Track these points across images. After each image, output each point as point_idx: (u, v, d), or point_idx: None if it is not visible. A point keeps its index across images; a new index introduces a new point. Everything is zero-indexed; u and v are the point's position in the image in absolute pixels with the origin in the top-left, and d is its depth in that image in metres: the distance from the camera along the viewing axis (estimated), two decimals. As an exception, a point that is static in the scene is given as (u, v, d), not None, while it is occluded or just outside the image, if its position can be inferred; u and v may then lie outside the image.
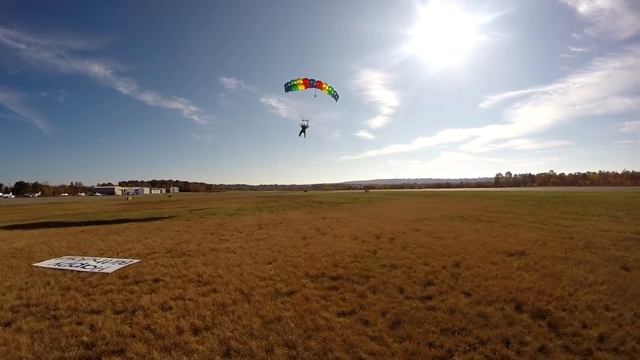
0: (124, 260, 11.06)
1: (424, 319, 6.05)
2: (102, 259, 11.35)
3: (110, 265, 10.24)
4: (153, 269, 9.91)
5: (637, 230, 14.58)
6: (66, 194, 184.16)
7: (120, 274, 9.30)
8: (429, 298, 7.09)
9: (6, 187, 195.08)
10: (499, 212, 25.19)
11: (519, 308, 6.48)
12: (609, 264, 9.30)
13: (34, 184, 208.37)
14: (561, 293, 7.15)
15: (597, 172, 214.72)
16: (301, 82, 30.76)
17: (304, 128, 33.18)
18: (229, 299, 7.26)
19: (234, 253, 12.01)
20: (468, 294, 7.26)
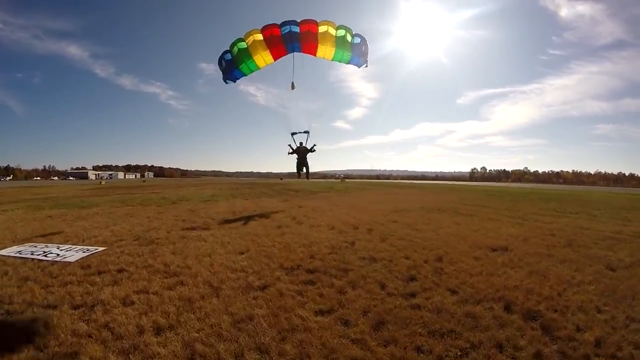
0: (89, 248, 10.41)
1: (409, 319, 5.57)
2: (67, 246, 10.68)
3: (73, 254, 9.60)
4: (118, 257, 9.25)
5: (616, 230, 14.41)
6: (38, 178, 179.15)
7: (82, 264, 8.64)
8: (413, 295, 6.63)
9: None
10: (477, 205, 24.98)
11: (508, 308, 6.08)
12: (593, 263, 9.00)
13: (6, 167, 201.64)
14: (550, 292, 6.80)
15: (570, 171, 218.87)
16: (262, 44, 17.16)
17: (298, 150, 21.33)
18: (196, 293, 6.67)
19: (205, 241, 11.39)
20: (454, 292, 6.84)
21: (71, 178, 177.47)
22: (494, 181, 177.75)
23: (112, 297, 6.45)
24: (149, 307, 6.01)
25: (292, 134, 20.70)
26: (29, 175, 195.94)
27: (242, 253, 9.80)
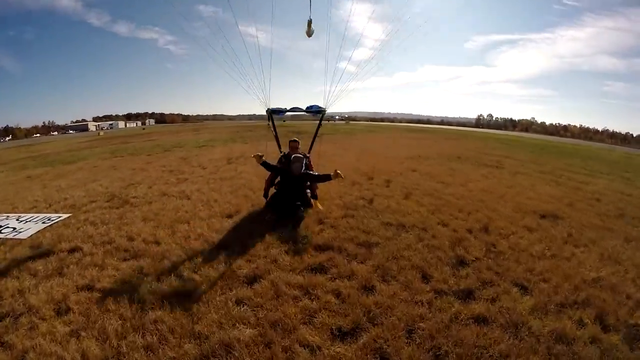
0: (51, 217, 8.80)
1: (480, 350, 3.62)
2: (28, 215, 9.11)
3: (31, 226, 8.14)
4: (78, 229, 7.54)
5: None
6: (38, 135, 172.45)
7: (34, 241, 6.94)
8: (470, 295, 4.70)
9: None
10: (498, 155, 22.64)
11: (602, 320, 4.29)
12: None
13: (5, 127, 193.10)
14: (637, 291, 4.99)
15: (577, 125, 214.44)
16: None
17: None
18: (153, 293, 4.80)
19: (188, 199, 9.50)
20: (523, 288, 4.93)
21: (71, 131, 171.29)
22: (501, 129, 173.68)
23: (46, 300, 4.71)
24: (87, 322, 4.22)
25: (271, 112, 8.82)
26: (28, 133, 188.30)
27: (231, 216, 7.87)
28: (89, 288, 4.98)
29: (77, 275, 5.35)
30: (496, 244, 6.35)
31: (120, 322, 4.16)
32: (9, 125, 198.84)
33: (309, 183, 8.22)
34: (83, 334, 3.96)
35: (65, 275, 5.37)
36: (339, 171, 7.09)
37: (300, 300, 4.49)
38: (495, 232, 7.00)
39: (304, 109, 8.82)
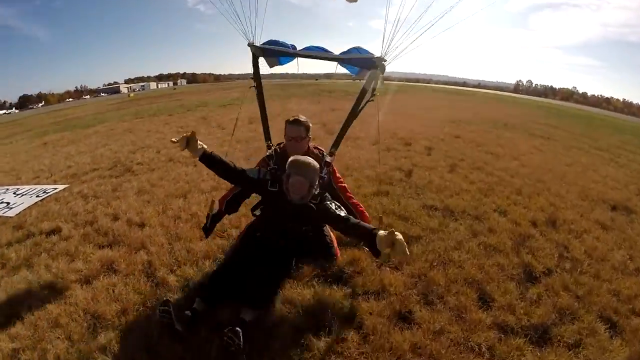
0: (48, 188, 8.07)
1: None
2: (26, 188, 8.40)
3: (25, 201, 7.44)
4: (67, 204, 6.67)
5: None
6: (70, 99, 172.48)
7: (20, 219, 6.14)
8: (545, 335, 3.30)
9: (10, 103, 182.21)
10: (545, 125, 20.61)
11: None
12: None
13: (38, 94, 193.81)
14: None
15: (621, 99, 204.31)
16: None
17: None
18: (125, 293, 3.74)
19: (195, 166, 8.24)
20: (611, 323, 3.52)
21: (103, 94, 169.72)
22: (540, 97, 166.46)
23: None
24: (32, 339, 3.23)
25: (258, 52, 4.71)
26: (61, 98, 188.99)
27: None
28: (51, 287, 3.97)
29: (43, 268, 4.36)
30: (569, 247, 4.89)
31: (65, 344, 3.12)
32: (42, 92, 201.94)
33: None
34: (23, 357, 3.01)
35: (32, 268, 4.42)
36: (397, 234, 2.97)
37: (302, 334, 3.17)
38: (564, 228, 5.51)
39: (337, 54, 4.48)
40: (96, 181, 8.08)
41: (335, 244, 4.15)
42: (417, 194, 6.33)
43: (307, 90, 36.47)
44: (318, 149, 4.31)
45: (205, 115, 18.88)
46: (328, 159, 4.26)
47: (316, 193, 3.60)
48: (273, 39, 4.62)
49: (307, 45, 4.61)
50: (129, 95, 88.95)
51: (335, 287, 3.71)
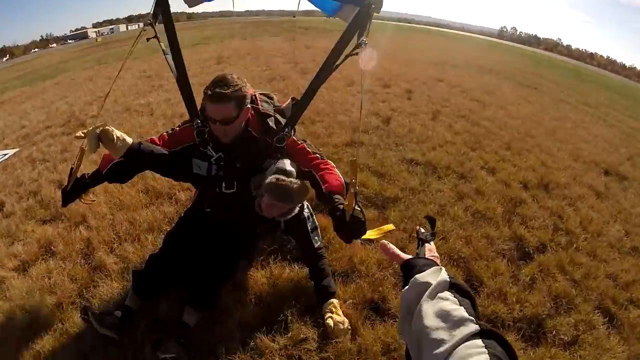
0: None
1: None
2: None
3: None
4: (14, 172, 6.04)
5: None
6: (37, 50, 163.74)
7: None
8: (539, 329, 2.83)
9: None
10: (533, 74, 19.92)
11: None
12: None
13: (1, 48, 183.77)
14: None
15: (605, 56, 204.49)
16: None
17: None
18: (61, 282, 3.23)
19: (151, 115, 7.58)
20: (609, 315, 3.08)
21: (70, 41, 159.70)
22: (524, 44, 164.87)
23: None
24: None
25: None
26: (27, 49, 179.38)
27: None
28: None
29: None
30: (563, 217, 4.35)
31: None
32: (6, 45, 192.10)
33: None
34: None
35: None
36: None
37: (252, 334, 2.58)
38: (557, 193, 4.95)
39: None
40: (47, 141, 7.37)
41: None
42: (395, 145, 5.59)
43: (282, 27, 34.00)
44: (261, 116, 2.66)
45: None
46: (279, 143, 2.59)
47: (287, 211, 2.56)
48: None
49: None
50: (96, 39, 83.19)
51: (295, 266, 3.06)
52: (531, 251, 3.58)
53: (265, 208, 2.43)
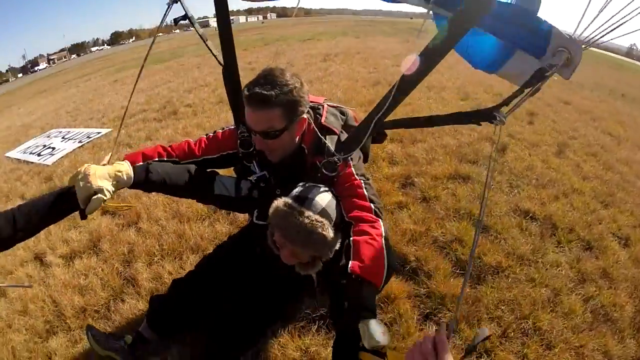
0: (92, 133, 8.14)
1: None
2: (74, 132, 8.59)
3: (67, 147, 7.47)
4: (98, 153, 6.59)
5: None
6: (160, 34, 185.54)
7: (52, 169, 6.33)
8: None
9: (102, 40, 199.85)
10: None
11: None
12: None
13: (129, 31, 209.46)
14: None
15: None
16: None
17: None
18: (94, 284, 3.37)
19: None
20: None
21: (191, 29, 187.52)
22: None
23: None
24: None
25: None
26: (152, 33, 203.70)
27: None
28: (40, 259, 3.85)
29: (43, 234, 3.89)
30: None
31: (23, 337, 2.93)
32: (133, 28, 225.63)
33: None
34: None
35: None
36: None
37: None
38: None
39: None
40: (137, 125, 7.86)
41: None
42: (509, 186, 4.65)
43: (398, 28, 32.78)
44: (321, 129, 2.00)
45: (281, 50, 17.68)
46: (327, 171, 1.86)
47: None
48: None
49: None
50: (216, 28, 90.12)
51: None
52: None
53: (278, 244, 1.80)
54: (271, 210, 1.71)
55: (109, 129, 8.10)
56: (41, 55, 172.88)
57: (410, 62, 1.58)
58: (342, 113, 2.19)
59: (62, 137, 8.38)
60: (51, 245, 3.95)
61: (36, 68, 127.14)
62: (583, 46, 1.42)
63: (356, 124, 2.10)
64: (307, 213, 1.62)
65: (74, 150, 7.16)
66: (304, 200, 1.68)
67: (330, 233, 1.65)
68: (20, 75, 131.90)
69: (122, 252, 3.67)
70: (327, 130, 1.96)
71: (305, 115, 1.88)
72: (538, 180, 4.89)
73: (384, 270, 1.57)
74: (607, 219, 4.31)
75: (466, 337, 2.52)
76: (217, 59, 2.22)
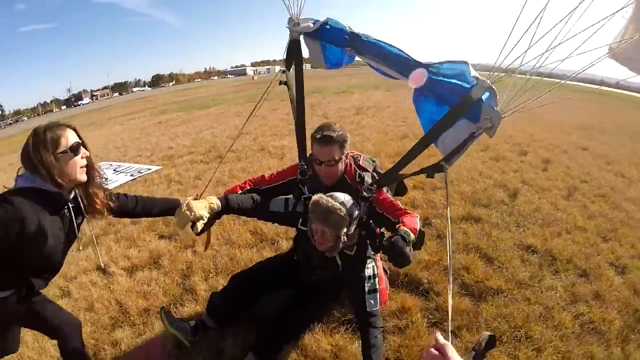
0: (142, 168, 9.01)
1: None
2: (126, 166, 9.50)
3: (119, 179, 8.29)
4: (151, 187, 7.54)
5: None
6: (199, 80, 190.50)
7: None
8: None
9: (144, 81, 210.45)
10: None
11: None
12: None
13: (169, 74, 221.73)
14: None
15: None
16: None
17: None
18: (156, 291, 4.00)
19: (281, 159, 8.53)
20: None
21: (230, 76, 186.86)
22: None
23: None
24: None
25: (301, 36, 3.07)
26: (191, 78, 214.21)
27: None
28: (103, 270, 4.43)
29: (105, 249, 4.92)
30: None
31: (90, 329, 3.47)
32: (173, 72, 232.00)
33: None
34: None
35: (98, 246, 4.81)
36: None
37: None
38: None
39: (409, 59, 2.60)
40: (186, 166, 8.62)
41: (384, 284, 3.35)
42: (516, 226, 5.20)
43: (397, 82, 33.22)
44: (359, 168, 3.01)
45: (315, 102, 18.59)
46: (366, 193, 2.71)
47: (352, 235, 2.71)
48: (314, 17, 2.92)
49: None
50: (253, 77, 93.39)
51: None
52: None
53: (314, 232, 2.65)
54: (311, 201, 2.59)
55: (159, 167, 8.87)
56: (85, 91, 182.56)
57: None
58: (373, 161, 3.21)
59: (114, 170, 9.11)
60: (113, 260, 4.58)
61: (79, 102, 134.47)
62: (503, 115, 2.13)
63: (381, 171, 3.10)
64: (331, 201, 2.49)
65: (127, 182, 7.93)
66: (331, 195, 2.55)
67: (345, 216, 2.47)
68: (63, 107, 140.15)
69: (180, 268, 4.29)
70: (363, 169, 2.98)
71: (348, 151, 2.91)
72: (544, 220, 5.42)
73: (418, 227, 2.39)
74: (606, 251, 4.77)
75: (467, 341, 3.09)
76: (293, 115, 3.37)
